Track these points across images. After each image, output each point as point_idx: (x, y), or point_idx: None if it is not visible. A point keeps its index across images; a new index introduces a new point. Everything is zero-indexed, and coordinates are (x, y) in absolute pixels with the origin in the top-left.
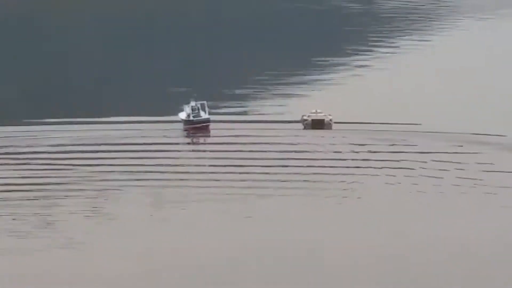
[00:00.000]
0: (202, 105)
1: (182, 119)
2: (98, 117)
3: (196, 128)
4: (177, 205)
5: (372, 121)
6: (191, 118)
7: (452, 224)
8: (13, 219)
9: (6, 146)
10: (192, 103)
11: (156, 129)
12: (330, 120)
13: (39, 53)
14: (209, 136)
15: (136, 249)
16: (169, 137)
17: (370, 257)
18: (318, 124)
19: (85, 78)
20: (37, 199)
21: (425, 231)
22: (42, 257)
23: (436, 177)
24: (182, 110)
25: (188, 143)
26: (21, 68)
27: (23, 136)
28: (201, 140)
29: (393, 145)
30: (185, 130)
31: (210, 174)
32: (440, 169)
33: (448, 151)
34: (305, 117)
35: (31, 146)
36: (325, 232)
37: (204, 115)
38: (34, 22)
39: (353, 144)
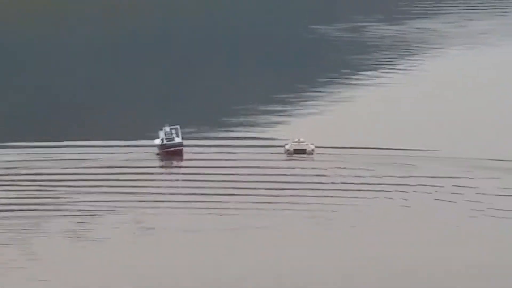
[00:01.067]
0: (176, 130)
1: (157, 144)
2: (76, 140)
3: (169, 153)
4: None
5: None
6: (164, 142)
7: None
8: None
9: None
10: (166, 128)
11: (131, 152)
12: (312, 150)
13: (20, 79)
14: (181, 161)
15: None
16: (143, 160)
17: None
18: (300, 153)
19: (68, 101)
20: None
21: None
22: None
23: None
24: (157, 137)
25: (161, 167)
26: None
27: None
28: (175, 163)
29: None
30: (158, 154)
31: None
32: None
33: (457, 176)
34: (287, 146)
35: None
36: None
37: (177, 140)
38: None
39: (339, 168)
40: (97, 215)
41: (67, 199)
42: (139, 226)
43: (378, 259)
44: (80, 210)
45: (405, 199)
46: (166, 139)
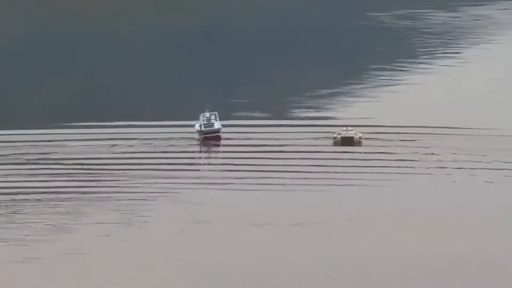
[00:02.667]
0: (215, 115)
1: (197, 130)
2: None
3: (207, 138)
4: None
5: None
6: (202, 128)
7: None
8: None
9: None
10: (206, 114)
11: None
12: (360, 137)
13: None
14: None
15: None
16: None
17: None
18: (347, 141)
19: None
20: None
21: None
22: None
23: None
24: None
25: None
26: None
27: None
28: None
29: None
30: (199, 140)
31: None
32: None
33: None
34: (335, 135)
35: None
36: None
37: (216, 125)
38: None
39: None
40: (147, 201)
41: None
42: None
43: None
44: (135, 193)
45: None
46: (205, 124)
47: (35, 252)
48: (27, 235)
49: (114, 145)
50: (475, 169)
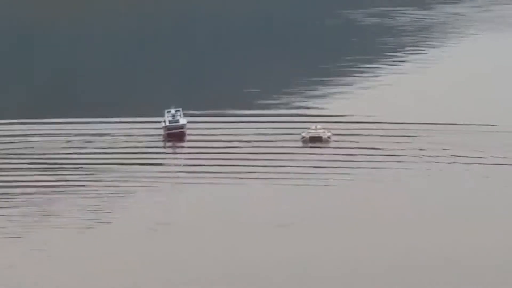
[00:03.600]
0: (180, 112)
1: (162, 126)
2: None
3: (172, 134)
4: None
5: None
6: (167, 124)
7: None
8: None
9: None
10: (172, 110)
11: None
12: (328, 136)
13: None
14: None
15: None
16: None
17: None
18: (316, 140)
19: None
20: None
21: None
22: None
23: None
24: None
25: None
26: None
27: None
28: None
29: None
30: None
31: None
32: None
33: None
34: (303, 133)
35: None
36: None
37: (181, 121)
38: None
39: None
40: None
41: None
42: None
43: None
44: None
45: None
46: (170, 121)
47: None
48: None
49: (69, 141)
50: (437, 162)
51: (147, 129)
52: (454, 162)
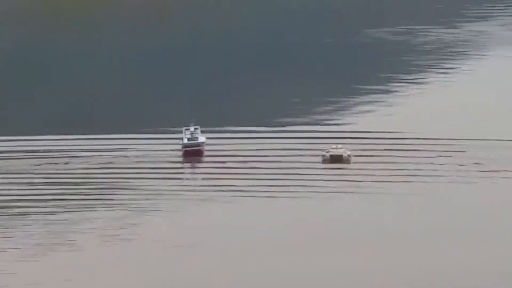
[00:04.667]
0: (198, 129)
1: (181, 143)
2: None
3: (189, 152)
4: None
5: None
6: (185, 141)
7: None
8: None
9: None
10: (191, 128)
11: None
12: (349, 155)
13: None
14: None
15: None
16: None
17: None
18: (336, 159)
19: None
20: None
21: None
22: None
23: None
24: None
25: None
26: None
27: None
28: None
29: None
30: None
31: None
32: None
33: None
34: (324, 152)
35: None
36: None
37: (200, 139)
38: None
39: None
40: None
41: None
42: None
43: None
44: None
45: None
46: (188, 138)
47: None
48: None
49: (71, 158)
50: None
51: (165, 145)
52: (494, 177)
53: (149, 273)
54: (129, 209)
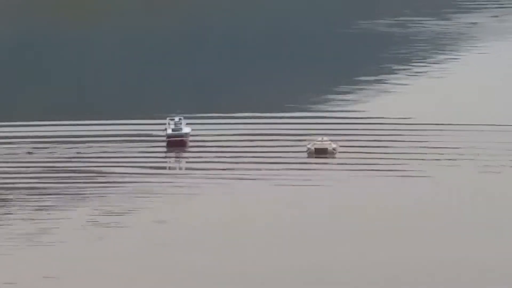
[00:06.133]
0: (181, 119)
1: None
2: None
3: (172, 142)
4: None
5: None
6: (168, 132)
7: None
8: None
9: None
10: (176, 118)
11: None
12: (334, 148)
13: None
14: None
15: None
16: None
17: None
18: (321, 152)
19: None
20: None
21: None
22: None
23: None
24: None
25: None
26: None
27: None
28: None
29: None
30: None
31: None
32: None
33: None
34: (309, 146)
35: None
36: None
37: (184, 130)
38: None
39: None
40: None
41: None
42: None
43: None
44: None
45: None
46: (172, 128)
47: None
48: None
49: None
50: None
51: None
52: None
53: (136, 268)
54: (108, 202)
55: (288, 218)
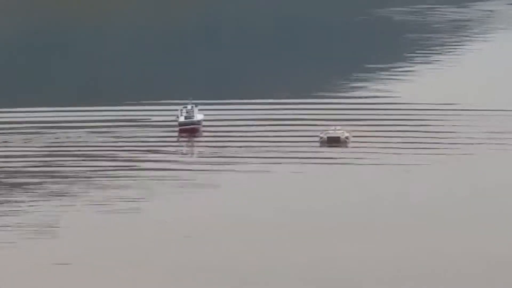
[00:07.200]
0: (194, 107)
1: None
2: None
3: (184, 130)
4: None
5: None
6: (181, 120)
7: None
8: None
9: None
10: (188, 106)
11: None
12: (347, 137)
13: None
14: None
15: None
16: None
17: None
18: (333, 141)
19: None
20: None
21: None
22: None
23: None
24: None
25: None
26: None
27: None
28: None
29: None
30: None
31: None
32: None
33: None
34: (321, 134)
35: None
36: None
37: (197, 117)
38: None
39: None
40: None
41: None
42: None
43: None
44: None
45: None
46: (185, 116)
47: None
48: None
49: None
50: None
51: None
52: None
53: (147, 260)
54: (120, 189)
55: (294, 211)
